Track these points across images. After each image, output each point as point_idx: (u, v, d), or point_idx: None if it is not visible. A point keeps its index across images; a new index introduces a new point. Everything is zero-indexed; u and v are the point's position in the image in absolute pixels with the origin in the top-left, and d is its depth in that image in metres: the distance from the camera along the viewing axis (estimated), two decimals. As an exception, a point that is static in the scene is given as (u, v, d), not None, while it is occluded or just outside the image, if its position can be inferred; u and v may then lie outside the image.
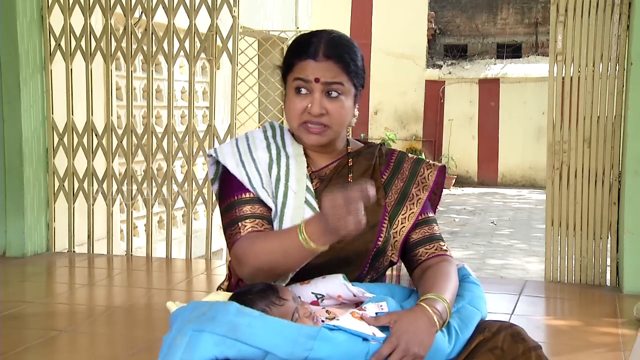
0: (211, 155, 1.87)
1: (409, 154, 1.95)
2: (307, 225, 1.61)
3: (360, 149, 1.91)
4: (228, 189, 1.82)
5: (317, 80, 1.74)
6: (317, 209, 1.77)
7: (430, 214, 1.88)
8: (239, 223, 1.75)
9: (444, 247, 1.85)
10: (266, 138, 1.88)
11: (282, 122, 8.49)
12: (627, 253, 4.08)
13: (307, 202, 1.79)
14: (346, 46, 1.79)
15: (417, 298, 1.71)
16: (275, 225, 1.77)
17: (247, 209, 1.77)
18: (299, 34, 8.23)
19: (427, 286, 1.72)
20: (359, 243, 1.78)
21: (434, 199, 1.92)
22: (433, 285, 1.70)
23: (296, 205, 1.77)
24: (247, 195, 1.79)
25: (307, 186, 1.81)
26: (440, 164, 1.92)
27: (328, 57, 1.75)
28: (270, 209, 1.78)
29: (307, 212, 1.77)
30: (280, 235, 1.69)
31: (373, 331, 1.57)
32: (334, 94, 1.76)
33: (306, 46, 1.77)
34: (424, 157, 12.23)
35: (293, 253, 1.63)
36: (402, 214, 1.85)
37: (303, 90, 1.76)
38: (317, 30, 1.83)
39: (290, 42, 8.90)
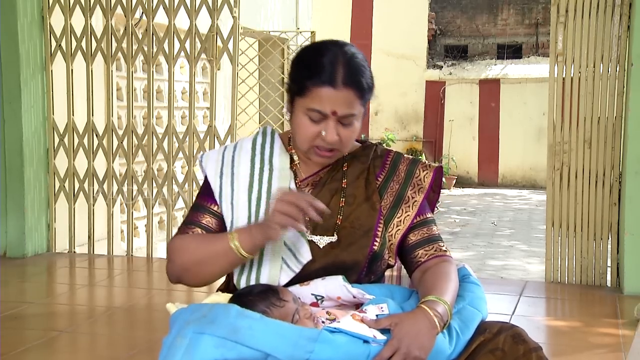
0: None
1: (405, 155, 1.93)
2: (240, 233, 1.68)
3: (356, 151, 1.89)
4: (202, 190, 1.88)
5: (334, 113, 1.71)
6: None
7: (429, 215, 1.87)
8: (186, 226, 1.83)
9: (444, 248, 1.84)
10: (253, 148, 1.87)
11: (282, 123, 8.46)
12: (627, 254, 4.08)
13: None
14: (362, 69, 1.74)
15: (418, 299, 1.71)
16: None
17: (205, 219, 1.83)
18: (298, 33, 8.10)
19: (427, 288, 1.71)
20: (355, 248, 1.78)
21: (433, 197, 1.90)
22: (433, 287, 1.70)
23: None
24: (214, 207, 1.83)
25: None
26: (436, 165, 1.90)
27: (347, 85, 1.70)
28: (225, 226, 1.82)
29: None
30: (211, 239, 1.74)
31: (374, 333, 1.56)
32: (348, 122, 1.74)
33: (321, 70, 1.71)
34: (424, 157, 12.24)
35: (220, 258, 1.70)
36: (398, 217, 1.83)
37: (316, 118, 1.73)
38: (326, 46, 1.77)
39: (291, 46, 8.93)
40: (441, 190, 1.92)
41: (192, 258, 1.74)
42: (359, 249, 1.78)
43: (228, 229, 1.80)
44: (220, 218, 1.82)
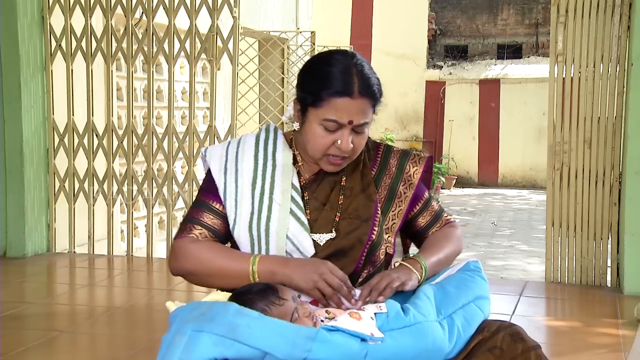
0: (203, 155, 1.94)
1: (395, 147, 1.98)
2: (261, 262, 1.74)
3: None
4: (205, 186, 1.90)
5: (350, 122, 1.75)
6: (303, 220, 1.81)
7: (426, 194, 1.97)
8: (191, 224, 1.85)
9: (448, 218, 1.99)
10: (257, 145, 1.89)
11: (282, 124, 8.47)
12: (627, 254, 4.08)
13: (292, 212, 1.82)
14: (373, 78, 1.79)
15: (418, 299, 1.72)
16: (263, 239, 1.80)
17: (206, 217, 1.85)
18: (298, 33, 8.08)
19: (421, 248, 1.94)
20: (353, 236, 1.82)
21: (426, 178, 1.98)
22: (423, 248, 1.90)
23: (281, 217, 1.80)
24: (216, 205, 1.85)
25: (292, 197, 1.83)
26: (426, 156, 1.96)
27: (362, 94, 1.75)
28: (228, 226, 1.85)
29: (292, 223, 1.80)
30: (228, 256, 1.79)
31: (371, 331, 1.57)
32: (361, 130, 1.78)
33: (336, 80, 1.74)
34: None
35: (232, 277, 1.76)
36: (393, 211, 1.90)
37: (332, 128, 1.76)
38: (335, 56, 1.80)
39: (291, 46, 8.92)
40: (432, 176, 2.01)
41: (202, 268, 1.79)
42: (358, 236, 1.83)
43: (231, 226, 1.83)
44: (223, 217, 1.85)
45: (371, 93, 1.77)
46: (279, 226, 1.79)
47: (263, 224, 1.80)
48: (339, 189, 1.87)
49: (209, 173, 1.89)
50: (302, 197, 1.85)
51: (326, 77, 1.75)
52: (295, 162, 1.89)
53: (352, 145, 1.77)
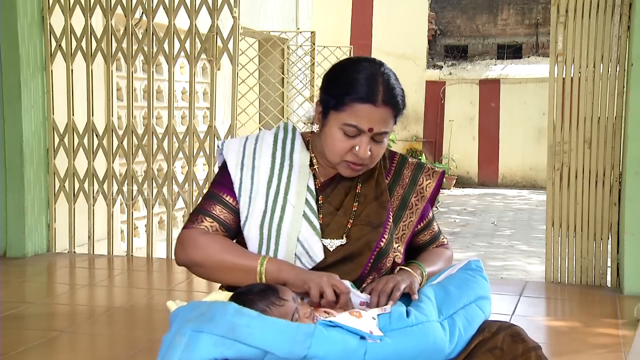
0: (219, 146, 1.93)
1: (410, 159, 1.98)
2: (269, 262, 1.73)
3: None
4: (219, 179, 1.89)
5: (370, 129, 1.75)
6: (315, 224, 1.81)
7: (430, 214, 1.97)
8: (201, 216, 1.83)
9: (444, 241, 2.02)
10: (275, 143, 1.89)
11: (286, 120, 8.47)
12: (627, 254, 4.08)
13: (304, 215, 1.81)
14: (398, 88, 1.80)
15: (419, 301, 1.72)
16: (273, 239, 1.80)
17: (217, 210, 1.84)
18: (298, 33, 8.07)
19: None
20: (362, 242, 1.81)
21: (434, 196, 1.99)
22: (420, 259, 1.94)
23: (293, 219, 1.80)
24: (229, 199, 1.84)
25: (306, 199, 1.82)
26: (440, 171, 1.97)
27: (386, 103, 1.75)
28: (238, 221, 1.84)
29: (304, 226, 1.80)
30: (237, 251, 1.78)
31: (370, 329, 1.57)
32: (380, 139, 1.78)
33: (362, 87, 1.74)
34: (424, 157, 12.23)
35: (239, 272, 1.75)
36: (403, 221, 1.90)
37: (352, 134, 1.76)
38: (362, 63, 1.80)
39: (291, 46, 8.92)
40: (440, 188, 2.00)
41: (210, 260, 1.77)
42: (366, 242, 1.82)
43: (242, 222, 1.82)
44: (235, 212, 1.83)
45: (395, 103, 1.77)
46: (290, 228, 1.79)
47: (275, 224, 1.79)
48: (354, 196, 1.86)
49: (224, 166, 1.88)
50: (316, 201, 1.84)
51: (351, 83, 1.75)
52: (311, 164, 1.88)
53: (369, 153, 1.76)
